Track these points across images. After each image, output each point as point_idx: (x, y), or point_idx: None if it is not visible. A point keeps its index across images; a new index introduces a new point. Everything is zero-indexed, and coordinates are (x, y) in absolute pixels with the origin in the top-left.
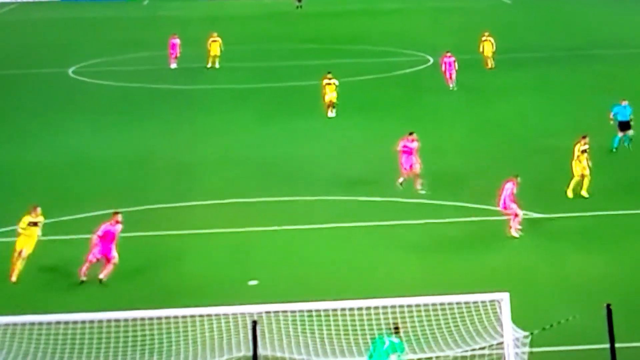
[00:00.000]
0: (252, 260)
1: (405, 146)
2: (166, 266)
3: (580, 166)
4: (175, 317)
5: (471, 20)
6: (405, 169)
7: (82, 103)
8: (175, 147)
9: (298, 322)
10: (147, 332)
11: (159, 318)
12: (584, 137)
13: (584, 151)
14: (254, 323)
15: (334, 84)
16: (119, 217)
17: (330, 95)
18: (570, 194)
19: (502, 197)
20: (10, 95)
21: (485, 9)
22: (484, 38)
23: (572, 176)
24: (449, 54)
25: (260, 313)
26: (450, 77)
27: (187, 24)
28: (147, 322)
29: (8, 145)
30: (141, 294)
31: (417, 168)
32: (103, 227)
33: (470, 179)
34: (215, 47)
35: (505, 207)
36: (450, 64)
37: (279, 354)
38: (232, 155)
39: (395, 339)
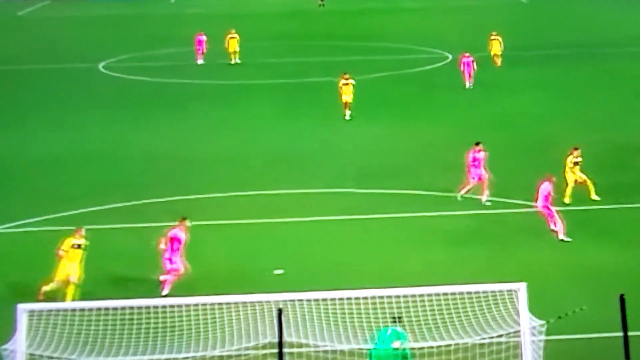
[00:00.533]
0: (277, 250)
1: (474, 158)
2: (194, 255)
3: (574, 175)
4: (204, 304)
5: (488, 19)
6: (472, 178)
7: (112, 97)
8: (201, 140)
9: (322, 311)
10: (177, 319)
11: (187, 305)
12: (575, 149)
13: (576, 163)
14: (280, 311)
15: (351, 84)
16: (187, 223)
17: (347, 96)
18: (568, 200)
19: (540, 198)
20: (44, 89)
21: (502, 8)
22: (492, 37)
23: (567, 185)
24: (467, 54)
25: (286, 301)
26: (469, 76)
27: (213, 21)
28: (175, 309)
29: (40, 136)
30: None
31: (486, 179)
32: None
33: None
34: (233, 43)
35: (544, 207)
36: (468, 64)
37: (303, 341)
38: (254, 148)
39: (398, 329)
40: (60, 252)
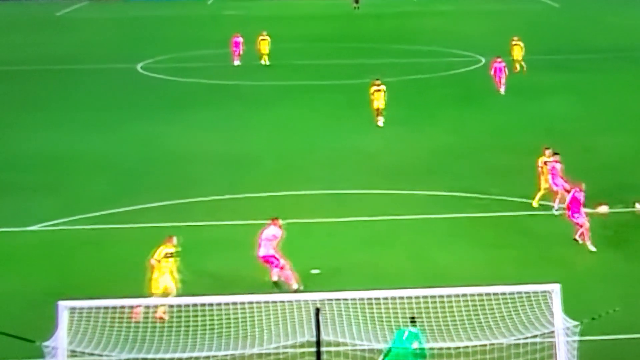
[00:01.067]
0: (314, 250)
1: (553, 168)
2: (233, 255)
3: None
4: (242, 303)
5: (520, 23)
6: (556, 185)
7: (149, 98)
8: (237, 141)
9: (359, 310)
10: (215, 317)
11: (226, 304)
12: (547, 149)
13: (545, 163)
14: (317, 310)
15: (383, 90)
16: (280, 222)
17: (379, 102)
18: (535, 204)
19: (571, 206)
20: (82, 89)
21: (534, 12)
22: (513, 42)
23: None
24: (499, 59)
25: (323, 300)
26: (500, 82)
27: (250, 23)
28: (214, 307)
29: (77, 136)
30: (209, 281)
31: (564, 188)
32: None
33: (518, 175)
34: (264, 45)
35: (572, 216)
36: (500, 69)
37: (341, 340)
38: (287, 148)
39: (413, 329)
40: (153, 262)
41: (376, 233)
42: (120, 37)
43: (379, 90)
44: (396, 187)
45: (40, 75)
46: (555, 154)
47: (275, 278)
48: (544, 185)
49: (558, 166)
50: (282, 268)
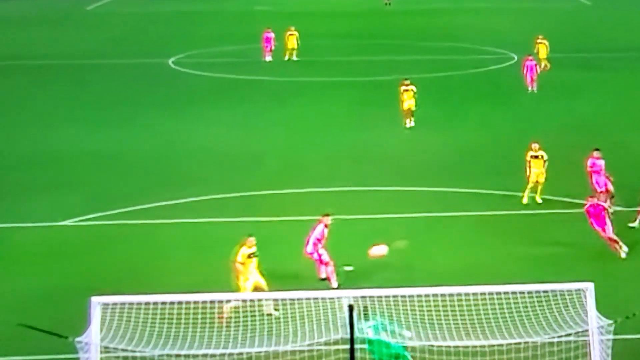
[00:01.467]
0: (346, 246)
1: (593, 164)
2: (265, 251)
3: (535, 172)
4: (275, 300)
5: (552, 21)
6: (600, 189)
7: (181, 93)
8: (267, 137)
9: (392, 307)
10: (249, 314)
11: (259, 300)
12: (534, 142)
13: (534, 157)
14: (351, 307)
15: (412, 90)
16: (325, 219)
17: (409, 102)
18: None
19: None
20: (113, 84)
21: (566, 10)
22: (538, 41)
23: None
24: (530, 58)
25: (357, 297)
26: (531, 81)
27: (281, 18)
28: (247, 304)
29: (107, 132)
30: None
31: (611, 187)
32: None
33: (553, 174)
34: (292, 40)
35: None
36: (531, 68)
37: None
38: (319, 145)
39: (373, 321)
40: (237, 265)
41: (410, 230)
42: (152, 31)
43: (407, 90)
44: (425, 184)
45: (70, 70)
46: (596, 150)
47: (323, 275)
48: (532, 179)
49: (601, 163)
50: (326, 264)
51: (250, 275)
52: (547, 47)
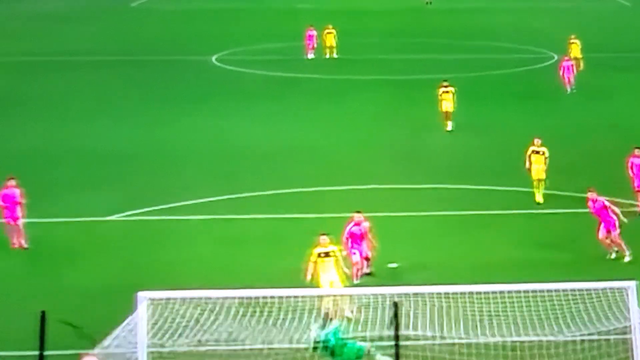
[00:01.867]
0: (391, 243)
1: (632, 164)
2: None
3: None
4: (320, 296)
5: (591, 21)
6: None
7: (223, 90)
8: (308, 133)
9: (436, 304)
10: (299, 308)
11: (304, 297)
12: (533, 139)
13: (535, 152)
14: (395, 304)
15: (451, 91)
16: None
17: (447, 104)
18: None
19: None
20: (159, 81)
21: (605, 10)
22: (571, 41)
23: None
24: (567, 58)
25: (401, 294)
26: (569, 81)
27: (323, 16)
28: (292, 299)
29: (152, 128)
30: (289, 273)
31: None
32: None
33: (585, 173)
34: (330, 38)
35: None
36: (568, 68)
37: (420, 333)
38: (359, 142)
39: (331, 326)
40: (310, 265)
41: (449, 228)
42: (196, 28)
43: (447, 92)
44: (464, 182)
45: (115, 66)
46: (637, 148)
47: (367, 270)
48: (534, 175)
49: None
50: (354, 264)
51: (324, 273)
52: (579, 46)
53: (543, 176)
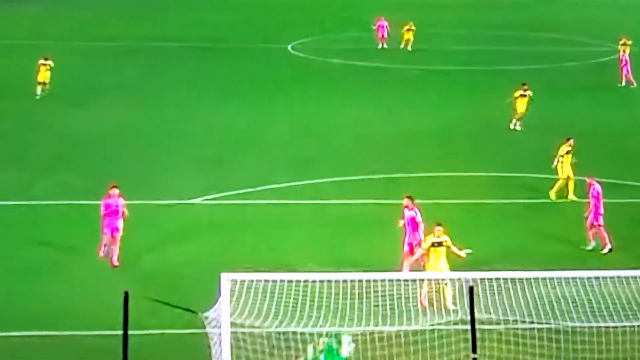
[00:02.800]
0: (464, 230)
1: None
2: (384, 234)
3: (565, 168)
4: (398, 280)
5: None
6: None
7: (298, 77)
8: (380, 121)
9: (511, 289)
10: (372, 292)
11: (382, 280)
12: (567, 139)
13: (567, 152)
14: (471, 288)
15: (529, 95)
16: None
17: (521, 107)
18: (553, 196)
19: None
20: (234, 68)
21: None
22: (621, 42)
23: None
24: (623, 51)
25: (476, 279)
26: (627, 73)
27: (394, 6)
28: (371, 283)
29: (232, 112)
30: (361, 258)
31: None
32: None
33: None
34: (409, 34)
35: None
36: (625, 61)
37: (494, 317)
38: (428, 130)
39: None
40: (421, 252)
41: (513, 214)
42: (273, 16)
43: (524, 96)
44: (530, 170)
45: (195, 53)
46: None
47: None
48: (564, 174)
49: None
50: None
51: (434, 263)
52: (628, 46)
53: (572, 175)
